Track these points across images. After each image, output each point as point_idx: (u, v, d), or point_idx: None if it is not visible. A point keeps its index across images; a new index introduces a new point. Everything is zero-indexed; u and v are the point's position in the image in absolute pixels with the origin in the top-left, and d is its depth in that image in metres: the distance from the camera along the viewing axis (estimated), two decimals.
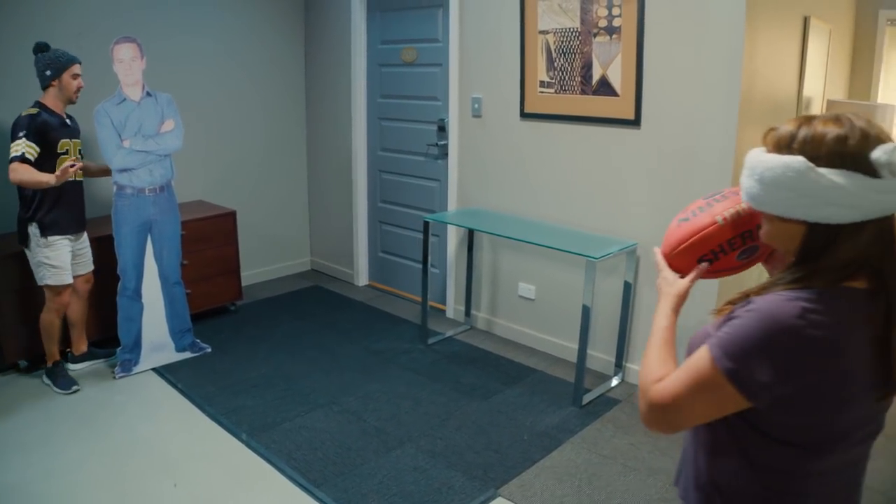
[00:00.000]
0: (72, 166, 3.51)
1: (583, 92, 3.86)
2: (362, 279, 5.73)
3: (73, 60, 3.68)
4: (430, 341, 4.58)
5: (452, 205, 4.78)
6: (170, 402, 3.80)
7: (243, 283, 5.42)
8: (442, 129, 4.80)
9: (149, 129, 3.95)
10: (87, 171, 3.96)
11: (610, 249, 3.66)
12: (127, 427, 3.53)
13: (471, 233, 4.66)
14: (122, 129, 3.85)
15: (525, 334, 4.50)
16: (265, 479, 3.13)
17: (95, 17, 4.49)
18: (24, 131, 3.51)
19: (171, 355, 4.25)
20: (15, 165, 3.47)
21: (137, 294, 4.08)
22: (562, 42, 3.89)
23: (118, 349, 4.11)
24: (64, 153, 3.69)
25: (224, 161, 5.39)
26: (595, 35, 3.73)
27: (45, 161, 3.60)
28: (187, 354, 4.30)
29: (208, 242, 4.75)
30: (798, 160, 1.16)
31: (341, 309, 5.19)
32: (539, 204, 4.26)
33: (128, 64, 3.83)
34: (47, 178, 3.49)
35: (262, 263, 5.79)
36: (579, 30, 3.79)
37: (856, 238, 1.15)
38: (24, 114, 3.56)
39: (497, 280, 4.62)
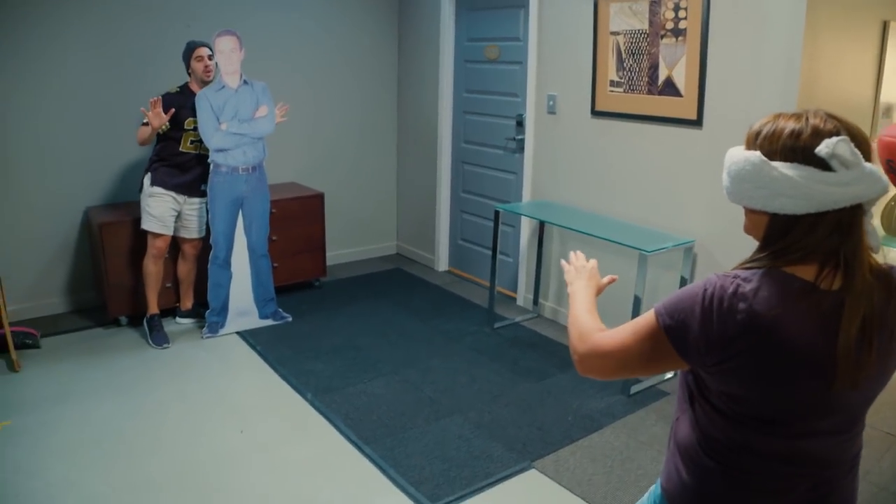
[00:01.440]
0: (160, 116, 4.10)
1: (649, 92, 3.98)
2: (442, 265, 6.01)
3: (195, 45, 4.29)
4: (497, 325, 4.79)
5: (527, 197, 4.98)
6: (248, 362, 4.20)
7: (329, 262, 5.81)
8: (520, 125, 5.00)
9: (244, 114, 4.35)
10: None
11: (664, 244, 3.78)
12: (207, 380, 3.95)
13: (541, 224, 4.84)
14: (220, 113, 4.26)
15: None
16: (320, 432, 3.45)
17: (204, 9, 4.96)
18: None
19: (254, 321, 4.66)
20: (140, 128, 4.18)
21: (227, 263, 4.50)
22: (631, 43, 4.03)
23: (206, 312, 4.54)
24: (192, 129, 4.29)
25: (318, 146, 5.78)
26: (662, 37, 3.85)
27: (173, 132, 4.27)
28: (269, 322, 4.70)
29: (296, 221, 5.14)
30: (755, 154, 1.24)
31: (418, 291, 5.48)
32: (605, 199, 4.40)
33: (227, 55, 4.24)
34: (147, 126, 4.12)
35: (349, 244, 6.16)
36: (647, 31, 3.92)
37: (813, 229, 1.20)
38: (167, 91, 4.29)
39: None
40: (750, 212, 1.30)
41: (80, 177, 4.72)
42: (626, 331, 1.34)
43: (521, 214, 4.80)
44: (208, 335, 4.47)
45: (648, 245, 3.73)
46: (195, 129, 4.28)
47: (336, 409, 3.66)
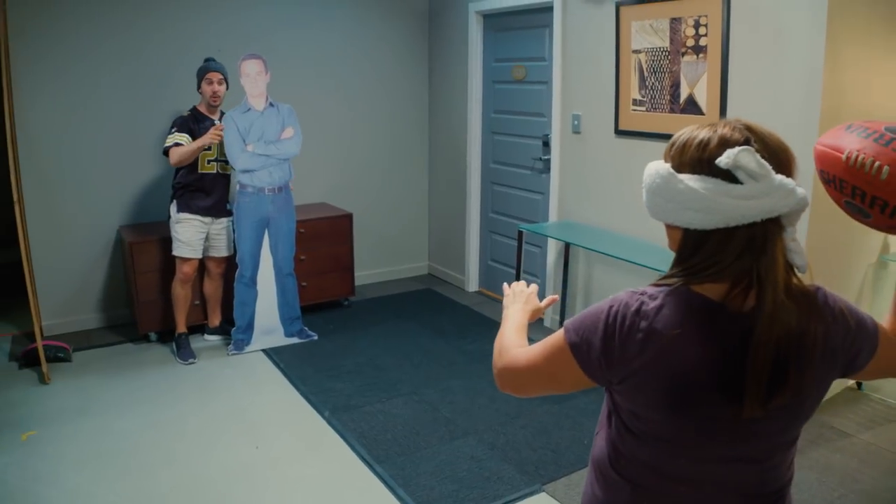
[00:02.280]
0: (218, 131, 4.23)
1: (671, 110, 3.94)
2: (472, 285, 6.00)
3: (207, 69, 4.34)
4: None
5: (553, 217, 4.95)
6: (270, 379, 4.24)
7: (360, 282, 5.86)
8: (546, 145, 4.99)
9: (270, 136, 4.43)
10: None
11: None
12: (228, 395, 4.00)
13: (567, 245, 4.80)
14: (246, 135, 4.35)
15: None
16: (334, 450, 3.47)
17: (235, 32, 5.09)
18: (175, 127, 4.28)
19: (280, 339, 4.71)
20: (171, 151, 4.20)
21: (253, 282, 4.57)
22: (653, 61, 3.99)
23: (232, 329, 4.60)
24: (207, 149, 4.31)
25: (348, 167, 5.85)
26: (683, 54, 3.81)
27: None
28: (295, 340, 4.74)
29: (324, 241, 5.20)
30: (664, 167, 1.19)
31: (446, 312, 5.48)
32: (629, 219, 4.34)
33: (253, 78, 4.34)
34: (200, 141, 4.20)
35: (380, 264, 6.20)
36: (668, 49, 3.88)
37: (723, 245, 1.15)
38: (179, 115, 4.38)
39: (590, 292, 4.73)
40: (667, 227, 1.25)
41: (113, 197, 4.87)
42: (537, 348, 1.31)
43: (544, 235, 4.77)
44: (234, 352, 4.53)
45: None
46: (210, 148, 4.34)
47: (352, 427, 3.67)
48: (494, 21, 5.38)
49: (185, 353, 4.44)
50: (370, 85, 5.82)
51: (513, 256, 5.52)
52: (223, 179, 4.48)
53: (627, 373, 1.17)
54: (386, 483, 3.17)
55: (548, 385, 1.32)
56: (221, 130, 4.23)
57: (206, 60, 4.38)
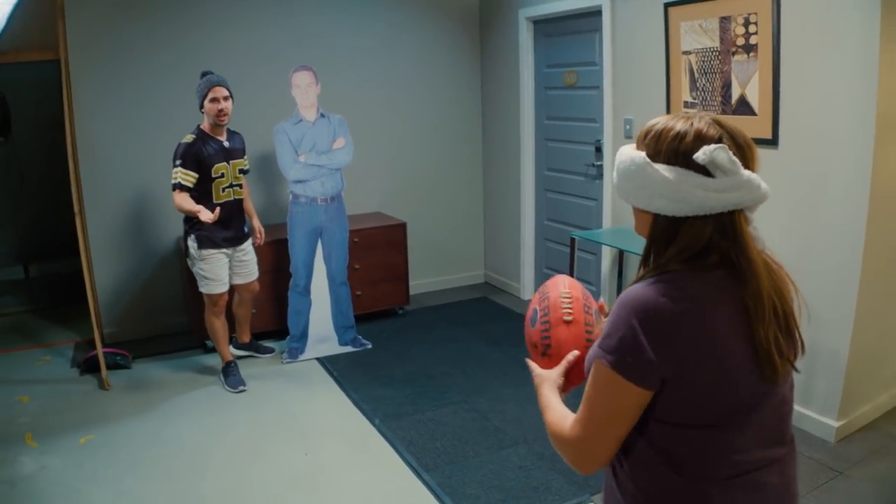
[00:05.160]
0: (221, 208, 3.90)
1: (723, 111, 3.83)
2: (527, 293, 5.95)
3: (211, 84, 3.94)
4: None
5: (606, 223, 4.88)
6: (323, 387, 4.29)
7: (416, 290, 5.87)
8: (598, 150, 4.92)
9: (322, 146, 4.49)
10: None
11: None
12: (281, 403, 4.07)
13: (621, 252, 4.72)
14: (298, 146, 4.43)
15: None
16: (383, 458, 3.49)
17: (288, 41, 5.19)
18: (180, 160, 3.90)
19: (334, 347, 4.76)
20: (175, 193, 3.90)
21: (307, 291, 4.64)
22: (703, 62, 3.90)
23: (287, 338, 4.67)
24: (220, 177, 4.03)
25: (402, 176, 5.89)
26: (734, 54, 3.71)
27: (202, 185, 3.98)
28: (349, 348, 4.79)
29: (379, 250, 5.24)
30: (640, 155, 1.26)
31: (501, 320, 5.45)
32: None
33: (304, 89, 4.41)
34: (198, 212, 3.80)
35: (435, 273, 6.21)
36: (719, 49, 3.78)
37: (698, 231, 1.22)
38: (182, 141, 3.96)
39: None
40: (636, 210, 1.32)
41: (171, 206, 4.92)
42: (585, 402, 1.28)
43: (597, 242, 4.70)
44: (288, 360, 4.60)
45: None
46: (223, 175, 4.04)
47: (401, 434, 3.68)
48: (544, 27, 5.35)
49: (234, 381, 4.23)
50: (422, 94, 5.86)
51: (566, 264, 5.45)
52: (237, 204, 4.20)
53: (678, 359, 1.19)
54: (433, 491, 3.17)
55: (619, 427, 1.26)
56: (216, 217, 3.83)
57: (205, 74, 4.03)
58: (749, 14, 3.57)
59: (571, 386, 1.50)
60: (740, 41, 3.66)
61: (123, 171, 4.87)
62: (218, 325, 4.26)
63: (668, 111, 4.19)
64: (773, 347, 1.21)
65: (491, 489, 3.17)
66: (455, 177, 6.16)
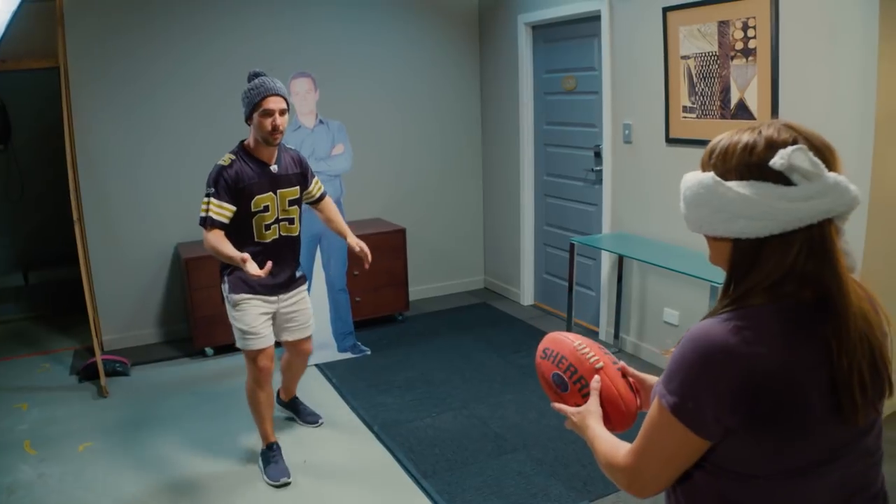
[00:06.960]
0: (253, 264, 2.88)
1: (722, 116, 3.83)
2: (527, 299, 5.94)
3: (266, 92, 3.04)
4: None
5: (606, 229, 4.87)
6: (322, 394, 4.27)
7: (415, 296, 5.86)
8: (598, 155, 4.92)
9: (321, 153, 4.49)
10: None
11: None
12: (279, 409, 4.02)
13: (621, 257, 4.71)
14: None
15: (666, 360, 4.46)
16: (381, 465, 3.47)
17: (289, 50, 5.19)
18: (213, 188, 3.05)
19: (333, 354, 4.75)
20: (205, 232, 3.03)
21: None
22: (702, 66, 3.90)
23: None
24: (262, 210, 3.14)
25: (401, 182, 5.88)
26: (732, 58, 3.71)
27: (241, 220, 3.12)
28: (348, 355, 4.78)
29: (378, 256, 5.18)
30: (707, 176, 1.14)
31: (500, 326, 5.43)
32: (684, 229, 4.20)
33: (302, 96, 4.41)
34: (233, 258, 2.91)
35: (436, 279, 6.20)
36: (717, 53, 3.78)
37: (784, 251, 1.09)
38: (218, 163, 3.12)
39: (644, 304, 4.63)
40: (712, 240, 1.20)
41: (171, 214, 5.02)
42: (641, 436, 1.21)
43: (597, 247, 4.69)
44: None
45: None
46: (267, 208, 3.16)
47: (400, 441, 3.66)
48: (543, 32, 5.35)
49: (275, 471, 3.29)
50: (421, 100, 5.86)
51: (566, 269, 5.44)
52: (291, 242, 3.33)
53: (747, 409, 1.07)
54: (431, 498, 3.15)
55: (672, 468, 1.19)
56: (268, 271, 2.87)
57: (257, 75, 3.14)
58: (748, 18, 3.57)
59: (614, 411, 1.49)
60: (739, 45, 3.66)
61: (123, 179, 4.87)
62: (261, 398, 3.31)
63: (668, 116, 4.19)
64: (854, 380, 1.07)
65: (490, 496, 3.15)
66: (454, 182, 6.15)
